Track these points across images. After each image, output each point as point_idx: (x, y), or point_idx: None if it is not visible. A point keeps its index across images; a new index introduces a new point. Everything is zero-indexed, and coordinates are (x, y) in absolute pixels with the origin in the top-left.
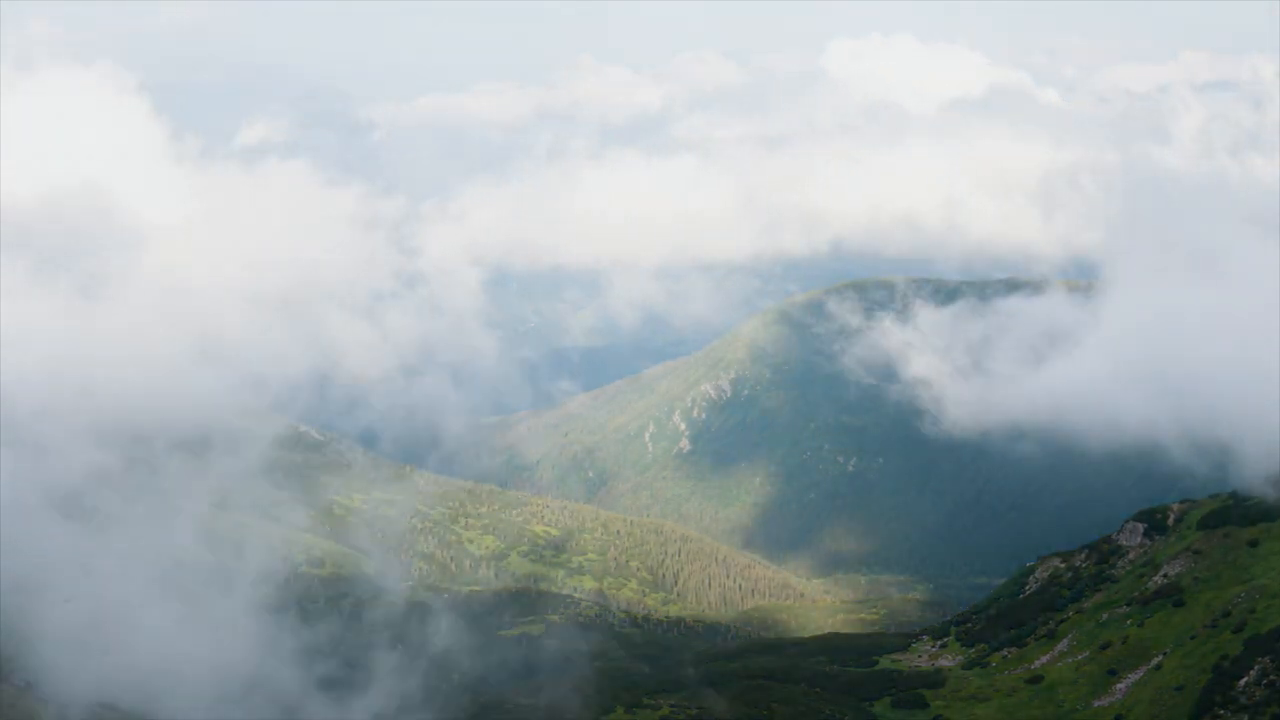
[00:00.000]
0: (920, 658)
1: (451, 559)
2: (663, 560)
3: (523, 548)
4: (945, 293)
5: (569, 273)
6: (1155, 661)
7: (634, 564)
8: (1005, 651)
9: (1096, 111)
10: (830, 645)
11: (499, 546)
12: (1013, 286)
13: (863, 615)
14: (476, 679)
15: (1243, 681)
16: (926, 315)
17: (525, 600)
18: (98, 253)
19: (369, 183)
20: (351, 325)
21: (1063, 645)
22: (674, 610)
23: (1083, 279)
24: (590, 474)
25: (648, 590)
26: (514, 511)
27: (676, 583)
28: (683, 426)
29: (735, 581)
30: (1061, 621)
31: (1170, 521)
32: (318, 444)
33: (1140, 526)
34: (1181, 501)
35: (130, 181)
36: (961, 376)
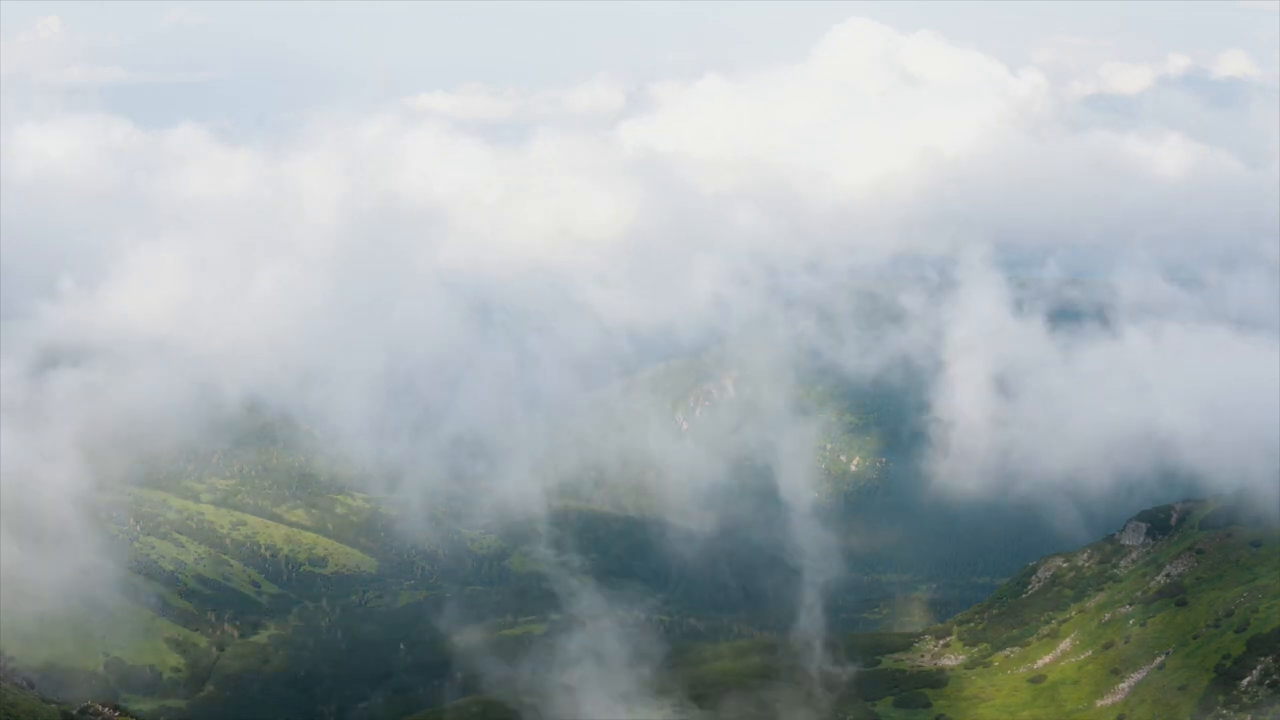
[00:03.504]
0: (923, 657)
1: (455, 559)
2: (666, 558)
3: (525, 546)
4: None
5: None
6: (1158, 661)
7: (636, 562)
8: (1008, 651)
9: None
10: (833, 645)
11: (501, 545)
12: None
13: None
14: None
15: (1245, 681)
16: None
17: (528, 599)
18: None
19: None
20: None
21: (1065, 645)
22: (676, 608)
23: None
24: (593, 472)
25: (649, 588)
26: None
27: (681, 580)
28: (685, 426)
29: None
30: (1064, 621)
31: (1173, 521)
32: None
33: (1143, 526)
34: (1184, 501)
35: None
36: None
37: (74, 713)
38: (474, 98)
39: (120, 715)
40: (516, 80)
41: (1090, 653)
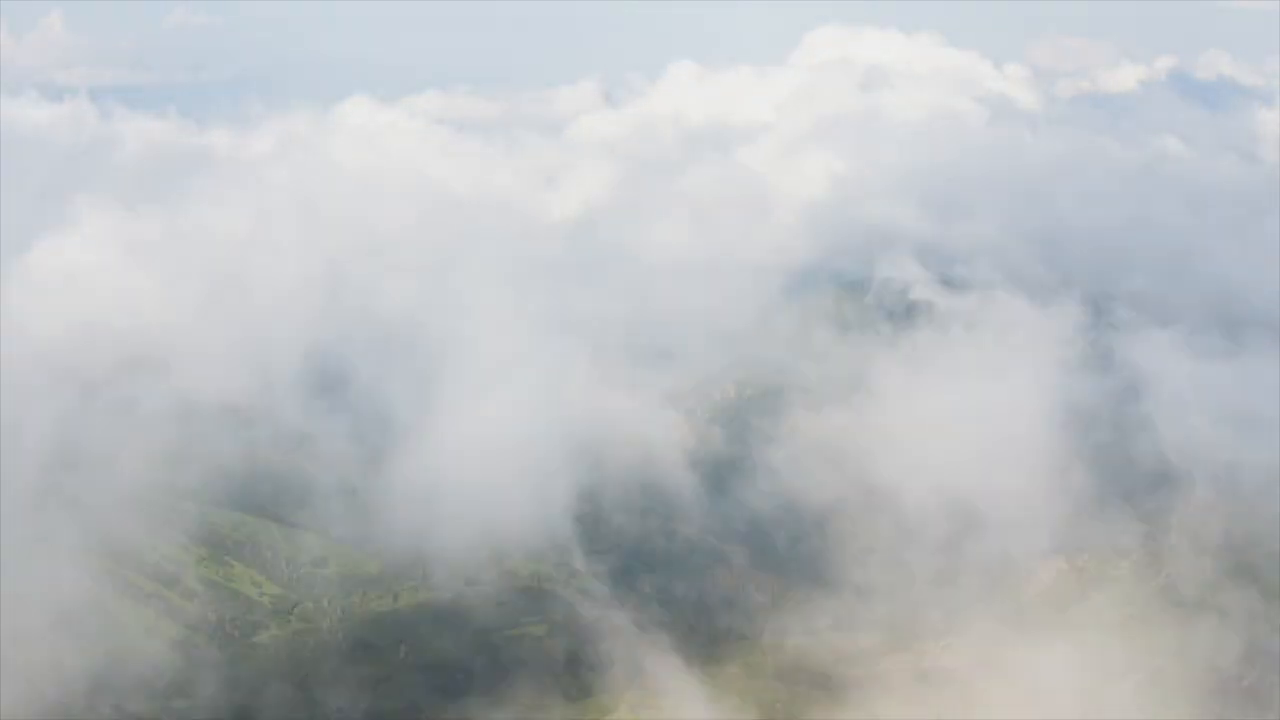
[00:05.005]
0: (923, 657)
1: (456, 560)
2: (670, 559)
3: (527, 547)
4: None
5: None
6: (1158, 662)
7: (638, 563)
8: (1008, 651)
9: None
10: (831, 644)
11: (503, 547)
12: None
13: None
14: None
15: (1245, 681)
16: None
17: (531, 600)
18: None
19: None
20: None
21: (1065, 645)
22: (677, 609)
23: None
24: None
25: (652, 590)
26: None
27: (682, 582)
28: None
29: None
30: (1064, 621)
31: (1173, 520)
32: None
33: (1144, 526)
34: (1185, 501)
35: None
36: None
37: (75, 713)
38: (466, 99)
39: (120, 715)
40: (511, 81)
41: (1090, 653)
